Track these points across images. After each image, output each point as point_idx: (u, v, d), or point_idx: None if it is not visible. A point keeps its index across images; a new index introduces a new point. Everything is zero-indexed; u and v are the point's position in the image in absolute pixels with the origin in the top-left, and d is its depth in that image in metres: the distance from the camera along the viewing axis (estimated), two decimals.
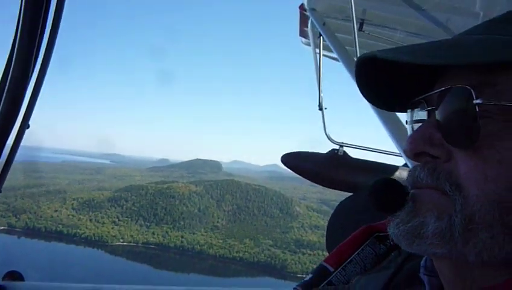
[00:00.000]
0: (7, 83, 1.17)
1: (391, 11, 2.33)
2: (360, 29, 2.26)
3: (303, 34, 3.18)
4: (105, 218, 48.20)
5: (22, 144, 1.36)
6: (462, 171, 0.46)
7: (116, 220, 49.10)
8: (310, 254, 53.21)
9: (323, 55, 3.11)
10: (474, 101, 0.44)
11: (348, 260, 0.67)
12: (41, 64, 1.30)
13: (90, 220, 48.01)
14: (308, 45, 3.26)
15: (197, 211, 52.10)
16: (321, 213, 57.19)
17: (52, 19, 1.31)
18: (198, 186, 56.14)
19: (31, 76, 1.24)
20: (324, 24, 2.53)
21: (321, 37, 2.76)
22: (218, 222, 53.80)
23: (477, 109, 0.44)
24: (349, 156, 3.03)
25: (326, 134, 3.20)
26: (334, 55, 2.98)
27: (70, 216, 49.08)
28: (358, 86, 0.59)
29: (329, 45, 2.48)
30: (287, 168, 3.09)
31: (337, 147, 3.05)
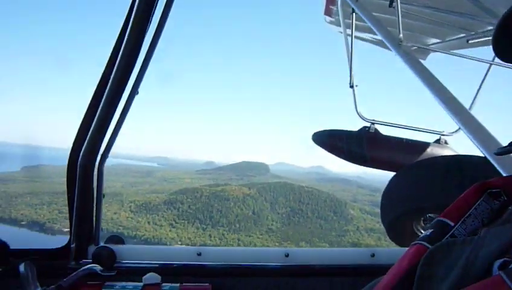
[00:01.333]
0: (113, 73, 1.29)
1: None
2: (390, 5, 2.24)
3: (328, 12, 3.11)
4: (163, 220, 48.81)
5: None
6: None
7: (173, 222, 49.66)
8: None
9: (356, 37, 3.04)
10: None
11: (467, 215, 0.70)
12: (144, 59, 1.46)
13: (148, 222, 48.87)
14: (334, 24, 3.20)
15: (252, 213, 51.89)
16: (375, 216, 55.07)
17: (156, 24, 1.45)
18: (252, 189, 55.86)
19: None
20: (357, 1, 2.46)
21: (353, 15, 2.71)
22: (272, 224, 53.43)
23: None
24: (380, 133, 3.00)
25: (357, 111, 3.13)
26: (363, 34, 3.08)
27: (129, 219, 50.21)
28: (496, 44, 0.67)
29: (368, 23, 2.41)
30: (319, 147, 3.05)
31: (368, 124, 3.01)
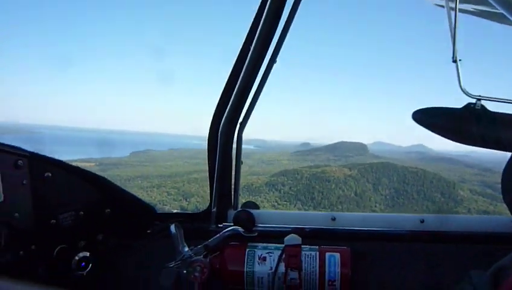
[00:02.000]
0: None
1: None
2: None
3: None
4: (265, 202, 49.87)
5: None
6: None
7: (276, 203, 50.34)
8: None
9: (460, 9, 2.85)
10: None
11: None
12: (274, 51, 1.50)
13: None
14: None
15: (354, 195, 50.99)
16: (487, 197, 51.00)
17: (284, 23, 1.47)
18: (352, 169, 54.78)
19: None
20: None
21: None
22: (376, 206, 51.98)
23: None
24: (488, 110, 2.80)
25: (461, 87, 2.90)
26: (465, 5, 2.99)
27: None
28: None
29: None
30: (420, 126, 2.89)
31: (473, 100, 2.82)
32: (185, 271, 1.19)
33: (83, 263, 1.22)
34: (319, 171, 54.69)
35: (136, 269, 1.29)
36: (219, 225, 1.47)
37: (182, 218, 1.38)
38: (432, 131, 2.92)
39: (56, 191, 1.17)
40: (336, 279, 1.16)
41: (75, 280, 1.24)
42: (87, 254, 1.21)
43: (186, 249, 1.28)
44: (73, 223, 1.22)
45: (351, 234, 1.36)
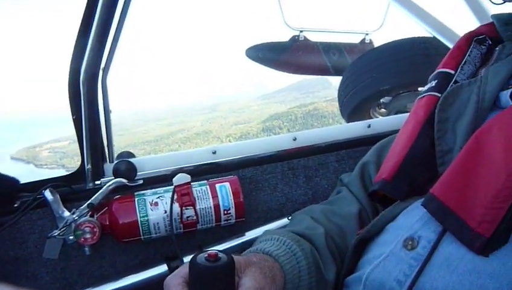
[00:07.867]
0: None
1: None
2: None
3: None
4: None
5: None
6: None
7: None
8: None
9: None
10: None
11: (463, 62, 0.75)
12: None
13: None
14: None
15: None
16: None
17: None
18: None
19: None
20: None
21: None
22: None
23: None
24: (310, 40, 3.00)
25: (284, 22, 3.02)
26: None
27: None
28: None
29: None
30: (254, 61, 3.07)
31: (297, 33, 2.98)
32: (71, 237, 1.13)
33: None
34: (311, 109, 52.78)
35: (13, 249, 1.19)
36: (96, 182, 1.37)
37: (52, 183, 1.24)
38: (265, 65, 3.05)
39: None
40: (231, 207, 1.19)
41: None
42: None
43: (67, 213, 1.19)
44: None
45: (234, 163, 1.38)
